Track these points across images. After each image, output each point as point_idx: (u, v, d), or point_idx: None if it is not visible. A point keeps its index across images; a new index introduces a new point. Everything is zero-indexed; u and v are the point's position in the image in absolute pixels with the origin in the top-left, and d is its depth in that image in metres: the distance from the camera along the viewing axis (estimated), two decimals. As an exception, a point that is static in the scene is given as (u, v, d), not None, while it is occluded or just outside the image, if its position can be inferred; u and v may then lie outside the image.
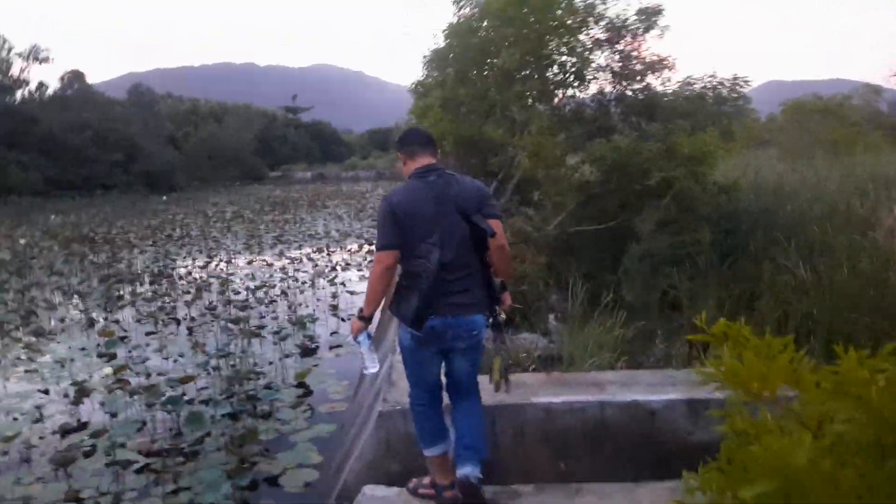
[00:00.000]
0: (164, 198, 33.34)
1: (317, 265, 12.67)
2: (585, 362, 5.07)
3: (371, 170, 58.16)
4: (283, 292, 10.27)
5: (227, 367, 6.63)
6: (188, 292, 10.22)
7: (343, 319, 8.94)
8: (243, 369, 6.47)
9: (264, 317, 8.78)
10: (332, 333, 8.20)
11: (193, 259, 13.82)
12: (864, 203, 6.62)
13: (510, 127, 8.72)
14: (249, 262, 13.18)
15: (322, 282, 11.07)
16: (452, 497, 2.72)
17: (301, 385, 6.20)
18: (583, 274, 9.06)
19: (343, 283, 10.93)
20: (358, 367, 2.67)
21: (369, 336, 2.79)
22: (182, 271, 12.28)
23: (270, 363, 6.78)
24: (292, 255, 13.92)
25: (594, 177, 8.73)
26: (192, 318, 8.66)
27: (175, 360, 6.94)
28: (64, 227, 20.31)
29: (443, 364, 2.77)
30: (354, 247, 15.16)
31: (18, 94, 41.23)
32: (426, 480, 2.87)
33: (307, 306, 9.38)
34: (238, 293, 10.11)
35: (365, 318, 2.75)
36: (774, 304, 6.16)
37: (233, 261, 13.47)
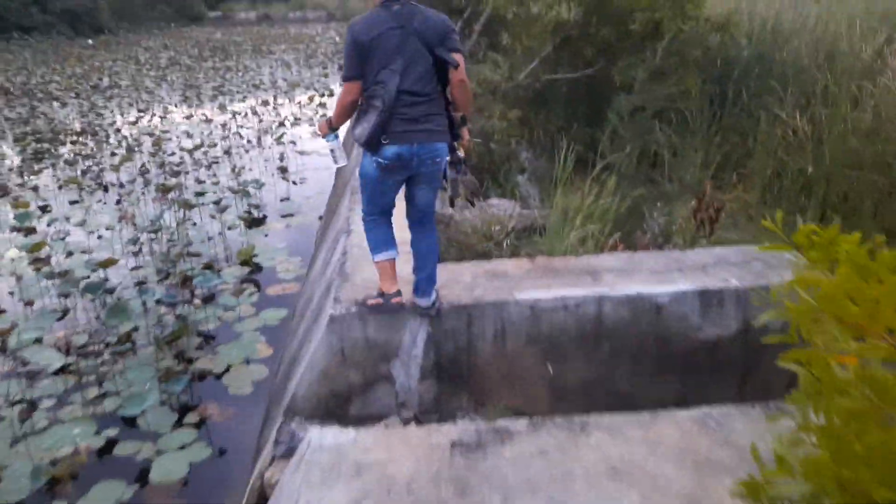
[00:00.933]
0: (91, 41, 29.98)
1: (262, 120, 11.48)
2: (568, 236, 4.49)
3: (321, 10, 53.53)
4: (226, 152, 9.24)
5: (161, 243, 5.87)
6: (115, 154, 9.09)
7: (294, 183, 8.11)
8: (179, 246, 5.72)
9: (203, 181, 7.86)
10: (281, 200, 7.40)
11: (123, 113, 12.39)
12: (869, 45, 5.83)
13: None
14: (187, 117, 11.87)
15: (269, 140, 10.02)
16: (399, 303, 2.85)
17: (246, 263, 5.52)
18: (558, 129, 8.31)
19: (293, 142, 9.91)
20: (331, 165, 2.42)
21: (336, 136, 2.86)
22: (110, 128, 10.98)
23: (210, 238, 6.03)
24: (235, 109, 12.60)
25: (571, 16, 7.63)
26: (121, 185, 7.69)
27: (100, 237, 6.12)
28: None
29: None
30: (304, 98, 13.82)
31: None
32: (373, 292, 2.93)
33: (252, 169, 8.44)
34: (173, 154, 9.04)
35: (332, 126, 2.83)
36: (766, 160, 5.60)
37: (168, 115, 12.12)
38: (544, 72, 8.09)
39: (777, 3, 8.35)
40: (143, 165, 8.40)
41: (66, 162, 8.61)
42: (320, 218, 6.63)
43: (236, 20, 52.15)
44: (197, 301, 4.78)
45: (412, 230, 2.90)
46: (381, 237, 2.86)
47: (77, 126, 11.09)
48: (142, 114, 12.16)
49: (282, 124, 11.31)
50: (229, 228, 6.30)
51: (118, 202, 7.01)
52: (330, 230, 4.94)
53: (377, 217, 2.85)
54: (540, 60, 8.03)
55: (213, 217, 6.33)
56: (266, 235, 6.22)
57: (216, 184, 7.69)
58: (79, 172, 8.29)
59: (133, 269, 5.43)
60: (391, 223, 2.89)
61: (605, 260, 3.26)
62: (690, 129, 6.23)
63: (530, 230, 5.34)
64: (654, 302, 2.87)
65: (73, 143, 9.93)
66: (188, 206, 6.31)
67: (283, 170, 8.52)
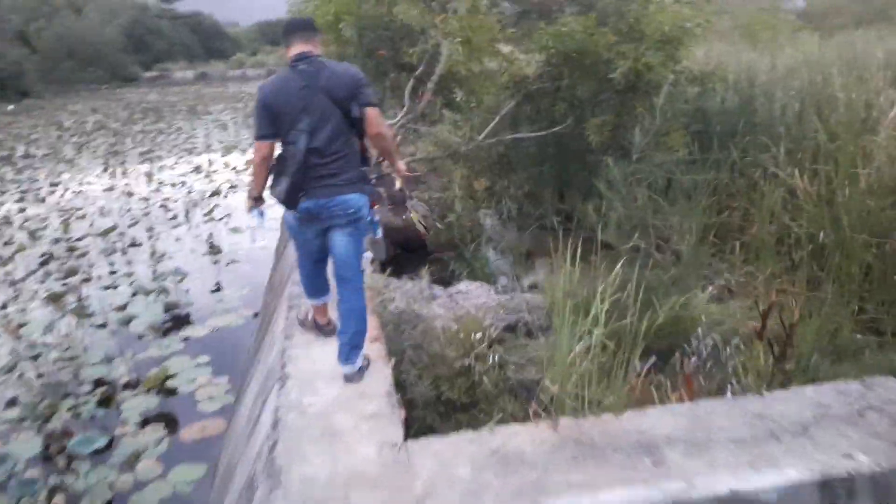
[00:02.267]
0: (11, 106, 28.17)
1: (191, 192, 10.27)
2: (572, 347, 3.49)
3: (261, 68, 52.83)
4: (147, 232, 8.00)
5: (48, 363, 4.60)
6: (10, 243, 7.71)
7: (227, 264, 6.95)
8: (67, 370, 4.47)
9: (115, 272, 6.60)
10: (210, 291, 6.20)
11: (31, 190, 10.98)
12: (860, 92, 5.20)
13: (428, 6, 6.62)
14: (107, 190, 10.55)
15: (199, 214, 8.83)
16: (330, 328, 3.08)
17: (159, 390, 4.31)
18: (525, 193, 7.45)
19: (227, 215, 8.74)
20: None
21: (261, 213, 2.99)
22: (12, 207, 9.57)
23: (110, 359, 4.75)
24: (163, 178, 11.36)
25: (534, 69, 6.86)
26: (13, 282, 6.36)
27: (-33, 360, 4.80)
28: None
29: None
30: (241, 162, 12.70)
31: None
32: (311, 316, 3.18)
33: (175, 254, 7.21)
34: (82, 239, 7.73)
35: (254, 198, 2.92)
36: (767, 226, 4.82)
37: (84, 188, 10.78)
38: (506, 131, 7.28)
39: (745, 51, 7.85)
40: (43, 255, 7.08)
41: (-52, 255, 7.20)
42: (255, 315, 5.48)
43: (173, 80, 50.83)
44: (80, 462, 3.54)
45: (337, 289, 2.88)
46: (314, 285, 3.06)
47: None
48: (54, 188, 10.78)
49: (216, 193, 10.14)
50: (140, 338, 5.07)
51: (3, 307, 5.68)
52: (263, 349, 3.82)
53: (307, 265, 3.00)
54: (501, 119, 7.23)
55: (114, 330, 5.07)
56: (185, 344, 5.01)
57: (130, 275, 6.43)
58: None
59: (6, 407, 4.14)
60: (324, 274, 3.03)
61: (660, 421, 2.26)
62: (676, 191, 5.43)
63: (516, 328, 4.35)
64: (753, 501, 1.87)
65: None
66: (83, 315, 5.06)
67: (214, 250, 7.36)
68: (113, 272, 6.61)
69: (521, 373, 3.84)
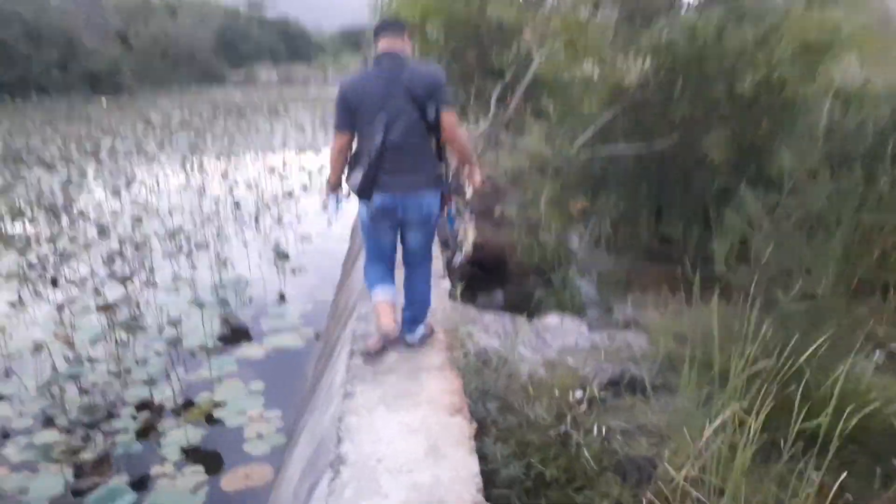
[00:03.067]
0: (105, 102, 29.45)
1: (264, 193, 9.99)
2: (699, 411, 2.78)
3: (342, 71, 53.66)
4: (217, 232, 7.71)
5: (88, 383, 4.22)
6: (76, 240, 7.56)
7: (293, 272, 6.53)
8: (108, 393, 4.08)
9: (179, 277, 6.28)
10: (273, 304, 5.76)
11: (110, 184, 11.02)
12: None
13: (527, 4, 6.00)
14: (181, 188, 10.45)
15: (270, 216, 8.49)
16: (395, 337, 2.91)
17: (206, 419, 3.84)
18: (620, 215, 6.68)
19: (297, 217, 8.37)
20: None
21: (338, 200, 2.95)
22: (90, 201, 9.56)
23: (153, 381, 4.30)
24: (237, 178, 11.19)
25: (641, 77, 6.10)
26: (75, 282, 6.12)
27: (8, 372, 4.47)
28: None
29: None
30: (314, 164, 12.42)
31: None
32: (371, 331, 3.02)
33: (240, 260, 6.84)
34: (147, 239, 7.48)
35: (332, 185, 2.91)
36: None
37: (160, 185, 10.73)
38: (601, 144, 6.55)
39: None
40: (110, 254, 6.86)
41: (16, 248, 7.08)
42: (317, 337, 4.97)
43: (258, 82, 52.41)
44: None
45: (405, 272, 2.95)
46: (376, 276, 2.93)
47: (48, 201, 9.67)
48: (131, 183, 10.77)
49: (288, 195, 9.84)
50: (193, 355, 4.64)
51: (59, 310, 5.41)
52: (321, 392, 3.26)
53: (375, 260, 2.94)
54: (596, 131, 6.51)
55: (167, 344, 4.64)
56: (239, 365, 4.54)
57: (191, 282, 6.08)
58: (33, 260, 6.78)
59: (29, 436, 3.76)
60: (391, 270, 2.95)
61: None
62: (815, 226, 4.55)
63: (621, 381, 3.62)
64: None
65: (31, 220, 8.46)
66: (136, 327, 4.68)
67: (281, 256, 6.94)
68: (175, 277, 6.29)
69: (630, 444, 3.11)
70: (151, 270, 6.38)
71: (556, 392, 3.22)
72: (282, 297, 5.88)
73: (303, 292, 6.01)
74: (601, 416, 3.10)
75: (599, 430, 2.99)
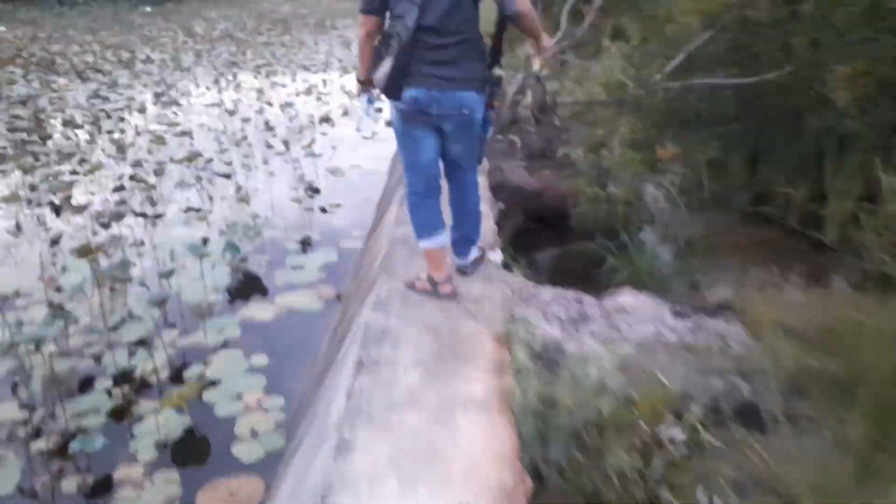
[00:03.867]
0: (149, 8, 28.48)
1: (297, 115, 9.08)
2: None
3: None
4: (244, 159, 6.90)
5: (69, 340, 3.55)
6: (87, 161, 6.85)
7: (323, 211, 5.74)
8: (86, 355, 3.39)
9: (190, 210, 5.54)
10: (294, 249, 4.98)
11: (137, 98, 10.28)
12: None
13: None
14: (211, 105, 9.63)
15: (302, 143, 7.62)
16: (449, 292, 2.56)
17: (196, 396, 3.12)
18: (707, 161, 5.56)
19: (333, 147, 7.49)
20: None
21: (370, 99, 2.57)
22: (114, 115, 8.85)
23: (145, 343, 3.61)
24: (272, 97, 10.29)
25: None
26: (79, 207, 5.44)
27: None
28: (3, 43, 16.48)
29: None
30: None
31: None
32: (423, 274, 2.62)
33: (265, 191, 6.04)
34: (163, 164, 6.72)
35: (361, 81, 2.55)
36: None
37: (190, 101, 9.93)
38: (694, 73, 5.41)
39: None
40: (119, 179, 6.16)
41: (22, 167, 6.42)
42: (338, 298, 4.18)
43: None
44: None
45: (448, 184, 2.65)
46: (425, 218, 2.53)
47: (74, 114, 8.99)
48: (159, 98, 10.00)
49: (325, 119, 8.92)
50: (193, 312, 3.92)
51: (55, 242, 4.75)
52: (324, 394, 2.47)
53: (421, 194, 2.52)
54: (689, 56, 5.36)
55: (163, 298, 3.90)
56: (242, 329, 3.81)
57: (203, 220, 5.32)
58: (41, 177, 6.15)
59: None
60: (438, 202, 2.57)
61: None
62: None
63: (726, 403, 2.72)
64: None
65: (49, 137, 7.80)
66: (125, 277, 3.96)
67: (311, 191, 6.15)
68: (187, 210, 5.56)
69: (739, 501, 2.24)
70: (159, 202, 5.64)
71: (641, 421, 2.35)
72: (304, 244, 5.09)
73: (330, 237, 5.20)
74: (703, 460, 2.25)
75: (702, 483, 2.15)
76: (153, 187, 5.95)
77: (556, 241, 5.13)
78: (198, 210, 5.55)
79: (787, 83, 4.82)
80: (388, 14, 2.35)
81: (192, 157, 6.50)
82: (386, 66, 2.24)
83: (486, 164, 5.10)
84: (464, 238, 2.70)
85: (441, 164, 2.59)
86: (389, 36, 2.26)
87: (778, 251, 4.27)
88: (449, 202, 2.67)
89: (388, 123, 2.73)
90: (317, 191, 6.20)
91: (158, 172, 6.42)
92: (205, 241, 4.68)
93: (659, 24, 5.69)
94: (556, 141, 6.18)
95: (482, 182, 4.05)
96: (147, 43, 16.92)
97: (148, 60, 13.87)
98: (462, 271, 2.73)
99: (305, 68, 13.20)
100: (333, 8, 32.80)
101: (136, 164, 6.60)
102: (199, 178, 6.30)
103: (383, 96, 2.41)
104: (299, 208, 5.74)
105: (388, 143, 7.44)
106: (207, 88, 10.93)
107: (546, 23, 5.69)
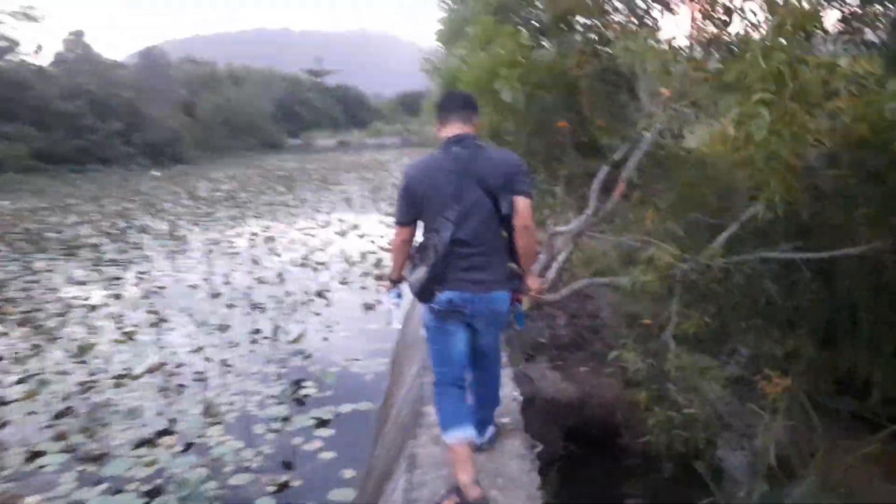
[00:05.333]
0: (157, 173, 29.11)
1: (288, 293, 8.17)
2: None
3: (397, 136, 53.35)
4: (197, 377, 5.85)
5: None
6: (30, 373, 5.78)
7: (316, 427, 4.55)
8: None
9: (143, 442, 4.39)
10: (273, 491, 3.76)
11: (122, 275, 9.50)
12: None
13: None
14: (195, 287, 8.78)
15: (290, 329, 6.60)
16: (477, 496, 2.40)
17: None
18: (786, 353, 4.44)
19: (328, 327, 6.43)
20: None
21: (399, 294, 2.81)
22: (84, 307, 7.96)
23: None
24: (264, 271, 9.48)
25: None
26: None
27: None
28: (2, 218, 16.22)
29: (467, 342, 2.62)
30: (355, 249, 10.64)
31: (8, 59, 37.26)
32: (446, 493, 2.50)
33: (231, 408, 4.91)
34: (122, 377, 5.64)
35: (393, 280, 2.78)
36: None
37: (174, 279, 9.10)
38: (744, 247, 4.48)
39: None
40: (66, 401, 5.07)
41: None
42: None
43: (315, 147, 52.61)
44: None
45: (474, 374, 2.75)
46: (451, 408, 2.57)
47: (46, 304, 8.13)
48: (143, 278, 9.19)
49: (321, 294, 8.02)
50: None
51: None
52: None
53: (448, 383, 2.59)
54: (742, 228, 4.45)
55: None
56: None
57: (151, 465, 4.14)
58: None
59: None
60: (465, 396, 2.65)
61: None
62: None
63: None
64: None
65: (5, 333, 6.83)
66: None
67: (297, 394, 5.05)
68: (139, 445, 4.40)
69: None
70: (105, 436, 4.50)
71: None
72: (281, 488, 3.89)
73: (314, 483, 4.00)
74: None
75: None
76: (105, 406, 4.85)
77: (605, 467, 3.91)
78: (152, 442, 4.40)
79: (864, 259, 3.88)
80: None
81: (154, 368, 5.45)
82: (421, 273, 2.44)
83: (510, 371, 4.02)
84: (482, 421, 2.80)
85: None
86: (425, 247, 2.47)
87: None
88: (472, 386, 2.74)
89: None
90: (301, 402, 5.10)
91: (119, 384, 5.36)
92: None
93: (698, 190, 4.86)
94: (593, 333, 5.15)
95: (508, 391, 3.47)
96: (148, 210, 16.65)
97: (143, 230, 13.37)
98: (480, 449, 2.77)
99: (305, 232, 12.59)
100: (338, 162, 33.75)
101: (93, 373, 5.54)
102: (163, 391, 5.22)
103: (417, 300, 2.55)
104: (278, 436, 4.58)
105: (388, 334, 6.57)
106: (198, 263, 10.18)
107: (569, 199, 4.87)
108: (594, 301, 6.30)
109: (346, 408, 4.92)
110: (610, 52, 4.01)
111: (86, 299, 8.14)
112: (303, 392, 5.25)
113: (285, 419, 4.74)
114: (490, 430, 2.88)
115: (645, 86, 4.15)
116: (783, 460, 3.67)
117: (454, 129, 2.52)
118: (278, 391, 5.25)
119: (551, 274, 5.37)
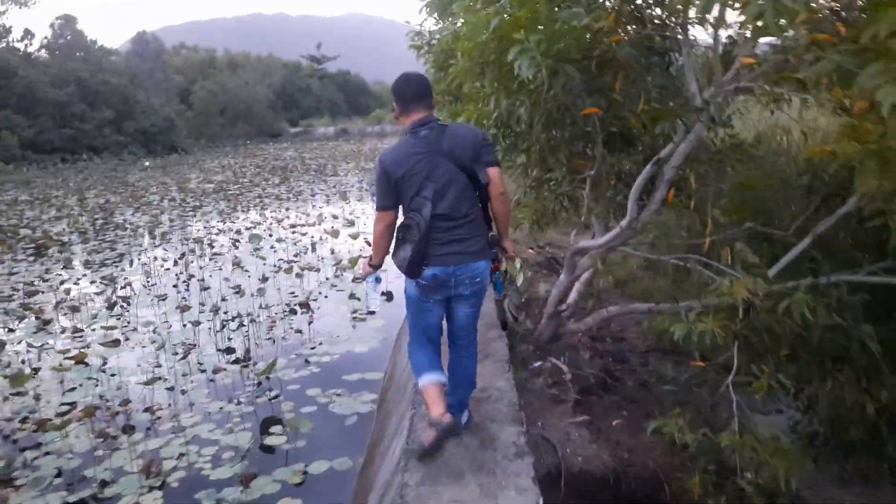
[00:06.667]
0: (147, 163, 28.08)
1: (266, 305, 7.21)
2: None
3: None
4: (184, 391, 4.91)
5: None
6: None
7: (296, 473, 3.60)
8: None
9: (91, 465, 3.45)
10: None
11: (82, 282, 8.55)
12: None
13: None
14: (163, 297, 7.82)
15: (268, 345, 5.64)
16: (448, 419, 2.70)
17: None
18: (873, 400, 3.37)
19: (311, 346, 5.48)
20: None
21: (377, 279, 3.01)
22: (34, 325, 7.02)
23: None
24: (244, 278, 8.53)
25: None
26: None
27: None
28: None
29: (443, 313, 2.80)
30: (345, 250, 9.67)
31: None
32: (423, 434, 2.76)
33: (191, 434, 3.96)
34: (71, 398, 4.72)
35: (373, 266, 2.91)
36: None
37: (145, 292, 8.15)
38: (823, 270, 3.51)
39: None
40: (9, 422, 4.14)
41: None
42: None
43: (315, 135, 51.39)
44: None
45: (450, 351, 2.90)
46: (424, 359, 2.80)
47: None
48: (114, 287, 8.24)
49: (304, 305, 7.07)
50: None
51: None
52: None
53: (423, 342, 2.81)
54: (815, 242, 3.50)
55: None
56: None
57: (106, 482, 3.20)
58: None
59: None
60: (437, 351, 2.85)
61: None
62: None
63: None
64: None
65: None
66: None
67: (265, 451, 4.10)
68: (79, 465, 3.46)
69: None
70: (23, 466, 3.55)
71: None
72: None
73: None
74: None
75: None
76: (19, 464, 3.90)
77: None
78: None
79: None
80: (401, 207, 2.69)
81: (89, 411, 4.50)
82: (407, 252, 2.57)
83: (522, 431, 3.05)
84: (458, 403, 2.86)
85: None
86: (408, 227, 2.58)
87: None
88: (449, 368, 2.87)
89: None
90: (272, 450, 4.16)
91: (48, 427, 4.42)
92: None
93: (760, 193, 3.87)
94: (614, 351, 4.18)
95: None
96: (132, 203, 15.69)
97: (120, 227, 12.41)
98: (458, 434, 2.81)
99: (294, 230, 11.60)
100: (337, 150, 32.66)
101: (17, 413, 4.59)
102: (101, 438, 4.29)
103: (404, 275, 2.68)
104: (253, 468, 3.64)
105: (376, 359, 5.67)
106: (175, 263, 9.23)
107: (595, 206, 3.87)
108: (616, 318, 5.33)
109: (319, 467, 3.96)
110: (659, 11, 3.01)
111: (39, 312, 7.20)
112: (269, 440, 4.30)
113: (243, 483, 3.79)
114: (466, 414, 2.93)
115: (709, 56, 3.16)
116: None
117: (417, 115, 2.64)
118: (240, 441, 4.30)
119: (572, 297, 4.39)
